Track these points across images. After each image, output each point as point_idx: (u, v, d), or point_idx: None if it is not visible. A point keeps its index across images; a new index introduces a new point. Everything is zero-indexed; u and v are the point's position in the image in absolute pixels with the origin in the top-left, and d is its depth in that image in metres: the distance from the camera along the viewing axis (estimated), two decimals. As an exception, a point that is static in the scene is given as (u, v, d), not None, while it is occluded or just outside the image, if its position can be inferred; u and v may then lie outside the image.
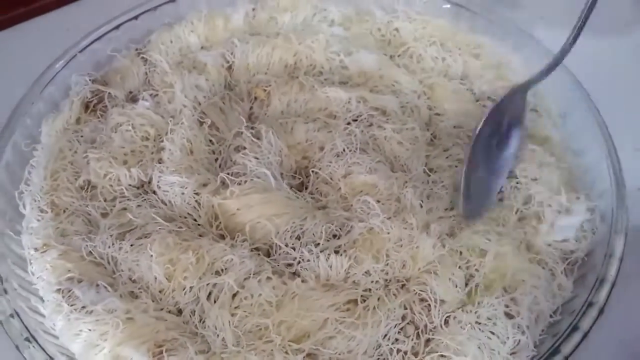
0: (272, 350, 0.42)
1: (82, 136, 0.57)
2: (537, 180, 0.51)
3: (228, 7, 0.68)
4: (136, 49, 0.65)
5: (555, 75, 0.59)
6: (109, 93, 0.59)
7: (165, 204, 0.52)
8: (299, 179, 0.55)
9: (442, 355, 0.43)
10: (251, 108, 0.60)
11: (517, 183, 0.52)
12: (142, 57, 0.64)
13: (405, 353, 0.43)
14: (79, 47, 0.62)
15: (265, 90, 0.60)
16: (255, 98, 0.61)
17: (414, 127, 0.56)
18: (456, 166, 0.54)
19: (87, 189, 0.53)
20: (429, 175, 0.53)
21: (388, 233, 0.47)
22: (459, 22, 0.66)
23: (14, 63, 0.71)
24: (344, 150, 0.54)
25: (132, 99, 0.60)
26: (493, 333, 0.44)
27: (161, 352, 0.42)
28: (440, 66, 0.63)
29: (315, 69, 0.63)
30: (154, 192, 0.52)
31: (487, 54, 0.64)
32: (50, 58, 0.61)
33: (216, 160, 0.55)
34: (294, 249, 0.48)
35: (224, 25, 0.67)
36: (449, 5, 0.67)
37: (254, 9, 0.69)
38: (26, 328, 0.43)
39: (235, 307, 0.45)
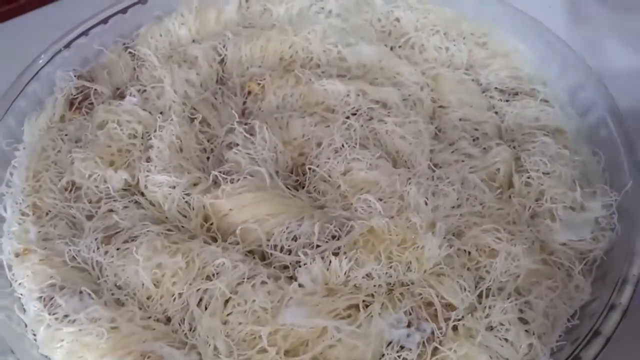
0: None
1: (66, 135, 0.54)
2: (549, 174, 0.48)
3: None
4: (124, 44, 0.62)
5: (568, 65, 0.56)
6: (95, 89, 0.57)
7: (154, 205, 0.49)
8: (296, 176, 0.52)
9: (451, 365, 0.40)
10: (244, 103, 0.57)
11: (528, 178, 0.49)
12: (130, 52, 0.61)
13: (411, 361, 0.40)
14: (64, 41, 0.59)
15: (259, 84, 0.57)
16: (249, 92, 0.58)
17: (417, 120, 0.54)
18: (462, 161, 0.51)
19: (71, 190, 0.50)
20: (434, 171, 0.50)
21: (391, 233, 0.45)
22: (464, 10, 0.63)
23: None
24: (342, 145, 0.51)
25: (120, 95, 0.58)
26: (506, 340, 0.41)
27: (148, 364, 0.39)
28: (444, 56, 0.60)
29: (312, 61, 0.60)
30: (142, 193, 0.50)
31: (494, 43, 0.61)
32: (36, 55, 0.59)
33: (208, 158, 0.53)
34: (290, 251, 0.45)
35: (216, 17, 0.65)
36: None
37: (247, 0, 0.66)
38: (4, 339, 0.40)
39: (228, 314, 0.42)
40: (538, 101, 0.55)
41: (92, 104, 0.56)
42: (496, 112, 0.56)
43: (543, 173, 0.49)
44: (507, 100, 0.56)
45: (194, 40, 0.63)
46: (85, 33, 0.61)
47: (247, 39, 0.61)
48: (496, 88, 0.57)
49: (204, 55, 0.60)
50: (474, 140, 0.53)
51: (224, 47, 0.61)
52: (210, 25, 0.64)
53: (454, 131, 0.54)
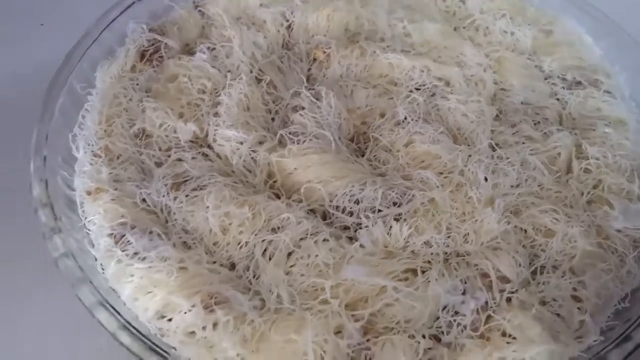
0: (329, 313, 0.41)
1: (137, 84, 0.56)
2: (608, 163, 0.50)
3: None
4: (194, 2, 0.64)
5: (630, 57, 0.57)
6: (166, 43, 0.59)
7: (221, 158, 0.51)
8: (356, 144, 0.54)
9: (503, 333, 0.41)
10: (309, 69, 0.59)
11: (588, 165, 0.50)
12: (200, 10, 0.63)
13: (465, 327, 0.42)
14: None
15: (325, 52, 0.59)
16: (314, 59, 0.59)
17: (480, 99, 0.55)
18: (523, 143, 0.52)
19: (142, 137, 0.52)
20: (494, 150, 0.51)
21: (451, 206, 0.46)
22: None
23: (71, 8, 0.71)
24: (405, 118, 0.53)
25: (189, 51, 0.60)
26: (558, 315, 0.42)
27: (213, 304, 0.41)
28: (509, 40, 0.61)
29: (377, 34, 0.62)
30: (209, 146, 0.52)
31: (559, 31, 0.62)
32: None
33: (272, 119, 0.54)
34: (351, 213, 0.47)
35: (286, -18, 0.66)
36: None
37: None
38: (80, 268, 0.43)
39: (291, 266, 0.44)
40: (601, 92, 0.56)
41: (162, 57, 0.58)
42: (558, 99, 0.57)
43: (603, 162, 0.50)
44: (569, 89, 0.57)
45: (261, 4, 0.65)
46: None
47: (314, 7, 0.62)
48: (559, 76, 0.58)
49: (272, 20, 0.61)
50: (535, 124, 0.54)
51: (291, 13, 0.62)
52: (280, -10, 0.66)
53: (515, 114, 0.55)
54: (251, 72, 0.57)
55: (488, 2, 0.65)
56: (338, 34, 0.62)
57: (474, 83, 0.58)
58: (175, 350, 0.41)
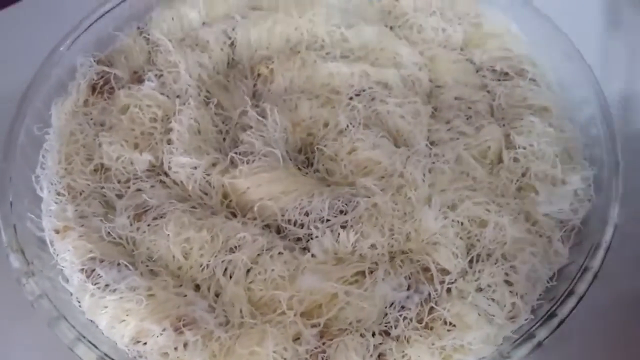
0: (286, 323, 0.45)
1: (91, 119, 0.59)
2: (534, 152, 0.54)
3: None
4: (138, 28, 0.66)
5: (554, 45, 0.61)
6: (115, 74, 0.61)
7: (177, 184, 0.55)
8: (304, 155, 0.58)
9: (444, 322, 0.46)
10: (255, 85, 0.62)
11: (516, 154, 0.54)
12: (145, 36, 0.65)
13: (411, 320, 0.47)
14: (82, 27, 0.63)
15: (268, 67, 0.62)
16: (259, 75, 0.63)
17: (416, 100, 0.59)
18: (457, 138, 0.56)
19: (101, 171, 0.56)
20: (431, 149, 0.56)
21: (392, 208, 0.51)
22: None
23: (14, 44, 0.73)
24: (347, 126, 0.57)
25: (138, 79, 0.62)
26: (493, 300, 0.47)
27: (182, 326, 0.46)
28: (441, 37, 0.65)
29: (317, 42, 0.65)
30: (165, 173, 0.55)
31: (487, 23, 0.65)
32: (46, 37, 0.63)
33: (224, 139, 0.58)
34: (302, 225, 0.51)
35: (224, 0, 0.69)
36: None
37: (254, -18, 0.70)
38: (55, 307, 0.47)
39: (250, 282, 0.48)
40: (527, 81, 0.60)
41: (112, 88, 0.61)
42: (488, 91, 0.61)
43: (529, 151, 0.54)
44: (498, 80, 0.61)
45: (204, 23, 0.68)
46: (102, 17, 0.65)
47: (254, 22, 0.65)
48: (488, 68, 0.62)
49: (215, 39, 0.64)
50: (467, 118, 0.58)
51: (233, 29, 0.65)
52: (219, 7, 0.68)
53: (449, 110, 0.59)
54: (199, 94, 0.60)
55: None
56: (280, 46, 0.65)
57: (410, 82, 0.62)
58: (153, 371, 0.45)
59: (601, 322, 0.52)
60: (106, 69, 0.62)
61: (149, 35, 0.65)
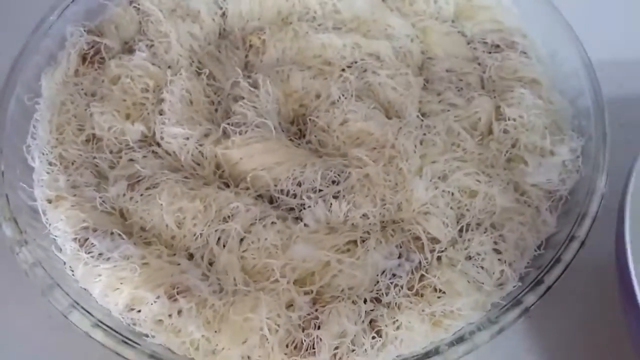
0: (280, 290, 0.46)
1: (82, 89, 0.59)
2: (524, 124, 0.55)
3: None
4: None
5: (544, 17, 0.62)
6: (105, 44, 0.61)
7: (170, 155, 0.55)
8: (297, 126, 0.58)
9: (435, 289, 0.47)
10: (246, 56, 0.62)
11: (506, 126, 0.55)
12: (135, 6, 0.65)
13: (402, 287, 0.48)
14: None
15: (260, 38, 0.62)
16: (251, 46, 0.62)
17: (408, 72, 0.59)
18: (448, 110, 0.57)
19: (93, 141, 0.56)
20: (422, 121, 0.56)
21: (384, 179, 0.51)
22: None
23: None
24: (339, 97, 0.57)
25: (128, 49, 0.62)
26: (482, 267, 0.48)
27: (176, 294, 0.46)
28: (432, 9, 0.65)
29: (309, 14, 0.65)
30: (158, 144, 0.55)
31: (478, -4, 0.66)
32: (38, 8, 0.62)
33: (216, 110, 0.58)
34: (295, 195, 0.52)
35: (215, -33, 0.68)
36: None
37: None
38: (49, 275, 0.47)
39: (243, 251, 0.49)
40: (518, 53, 0.60)
41: (103, 58, 0.61)
42: (479, 64, 0.61)
43: (519, 123, 0.55)
44: (489, 52, 0.61)
45: (194, -7, 0.67)
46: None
47: (247, -8, 0.65)
48: (480, 40, 0.63)
49: (206, 10, 0.63)
50: (458, 90, 0.59)
51: (224, 0, 0.65)
52: (210, -22, 0.68)
53: (440, 82, 0.59)
54: (191, 65, 0.60)
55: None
56: (271, 17, 0.65)
57: (402, 54, 0.62)
58: (147, 338, 0.46)
59: (583, 287, 0.54)
60: (96, 38, 0.61)
61: (139, 5, 0.64)
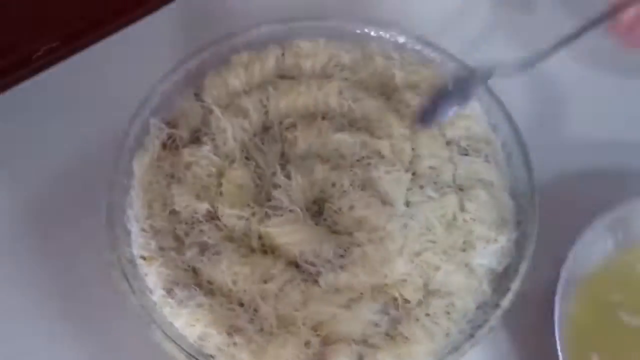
0: (301, 333, 0.71)
1: (163, 171, 0.83)
2: (479, 217, 0.79)
3: (262, 50, 0.92)
4: (194, 93, 0.89)
5: (504, 126, 0.84)
6: (179, 135, 0.85)
7: (227, 227, 0.80)
8: (317, 206, 0.82)
9: (403, 336, 0.72)
10: (283, 148, 0.86)
11: (464, 218, 0.79)
12: (199, 101, 0.89)
13: (382, 334, 0.73)
14: (156, 92, 0.86)
15: (293, 134, 0.86)
16: (286, 140, 0.86)
17: (400, 169, 0.82)
18: (427, 201, 0.80)
19: (173, 214, 0.81)
20: (406, 209, 0.80)
21: (376, 255, 0.76)
22: (444, 70, 0.90)
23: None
24: (349, 188, 0.81)
25: (195, 139, 0.86)
26: (436, 323, 0.73)
27: (232, 332, 0.72)
28: (423, 115, 0.87)
29: (329, 113, 0.88)
30: (219, 219, 0.80)
31: (458, 105, 0.88)
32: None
33: (260, 193, 0.82)
34: (314, 264, 0.76)
35: (260, 68, 0.91)
36: (436, 55, 0.91)
37: (282, 55, 0.92)
38: (149, 314, 0.73)
39: (277, 304, 0.74)
40: (482, 158, 0.84)
41: (177, 145, 0.85)
42: (453, 163, 0.84)
43: (475, 215, 0.79)
44: (461, 154, 0.84)
45: (244, 90, 0.90)
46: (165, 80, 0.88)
47: (283, 93, 0.88)
48: (456, 143, 0.85)
49: (253, 107, 0.87)
50: (435, 184, 0.82)
51: (267, 99, 0.88)
52: (255, 76, 0.91)
53: (423, 177, 0.82)
54: (242, 154, 0.84)
55: (412, 77, 0.91)
56: (302, 113, 0.88)
57: (397, 151, 0.85)
58: (212, 358, 0.72)
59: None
60: (173, 131, 0.85)
61: (203, 101, 0.88)
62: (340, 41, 0.94)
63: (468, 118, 0.87)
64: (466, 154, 0.84)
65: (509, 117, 0.85)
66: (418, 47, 0.92)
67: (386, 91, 0.91)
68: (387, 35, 0.93)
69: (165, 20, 1.07)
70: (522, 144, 0.82)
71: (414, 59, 0.92)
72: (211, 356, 0.72)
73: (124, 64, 1.02)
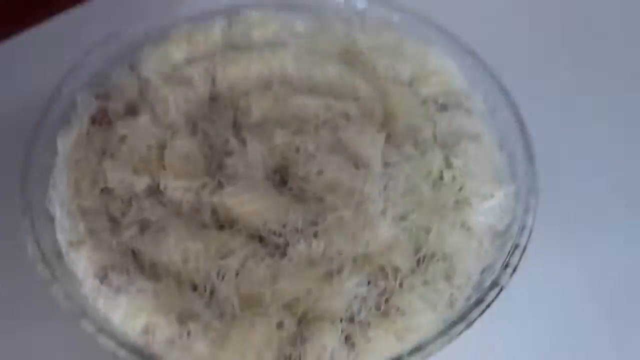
0: (271, 314, 0.59)
1: (93, 148, 0.71)
2: (468, 172, 0.69)
3: (206, 22, 0.84)
4: (129, 65, 0.79)
5: (485, 81, 0.77)
6: (111, 107, 0.74)
7: (173, 203, 0.67)
8: (280, 175, 0.71)
9: (397, 309, 0.61)
10: (235, 116, 0.76)
11: (454, 175, 0.69)
12: (136, 72, 0.78)
13: (371, 309, 0.61)
14: (83, 64, 0.76)
15: (245, 102, 0.76)
16: (238, 107, 0.76)
17: (372, 129, 0.73)
18: (407, 161, 0.71)
19: (105, 192, 0.68)
20: (384, 170, 0.70)
21: (355, 220, 0.65)
22: (409, 33, 0.83)
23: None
24: (315, 151, 0.71)
25: (131, 111, 0.75)
26: (435, 291, 0.62)
27: (185, 320, 0.58)
28: (391, 74, 0.80)
29: (287, 79, 0.79)
30: (162, 194, 0.68)
31: (431, 62, 0.81)
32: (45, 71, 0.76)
33: (210, 164, 0.71)
34: (280, 235, 0.64)
35: (205, 40, 0.82)
36: (398, 18, 0.84)
37: (229, 26, 0.84)
38: (79, 306, 0.59)
39: (239, 282, 0.61)
40: (463, 111, 0.76)
41: (109, 119, 0.74)
42: (432, 121, 0.76)
43: (464, 170, 0.70)
44: (440, 111, 0.76)
45: (186, 59, 0.81)
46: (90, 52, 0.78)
47: (232, 61, 0.79)
48: (433, 100, 0.78)
49: (198, 77, 0.77)
50: (414, 143, 0.73)
51: (214, 67, 0.79)
52: (200, 47, 0.82)
53: (399, 137, 0.74)
54: (187, 125, 0.73)
55: (374, 39, 0.84)
56: (255, 82, 0.79)
57: (367, 113, 0.76)
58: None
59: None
60: (104, 103, 0.74)
61: (140, 72, 0.78)
62: (293, 11, 0.86)
63: (442, 74, 0.79)
64: (446, 110, 0.75)
65: (489, 71, 0.77)
66: (380, 11, 0.85)
67: (349, 58, 0.82)
68: (343, 1, 0.86)
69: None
70: (507, 94, 0.75)
71: (376, 24, 0.84)
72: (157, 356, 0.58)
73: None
